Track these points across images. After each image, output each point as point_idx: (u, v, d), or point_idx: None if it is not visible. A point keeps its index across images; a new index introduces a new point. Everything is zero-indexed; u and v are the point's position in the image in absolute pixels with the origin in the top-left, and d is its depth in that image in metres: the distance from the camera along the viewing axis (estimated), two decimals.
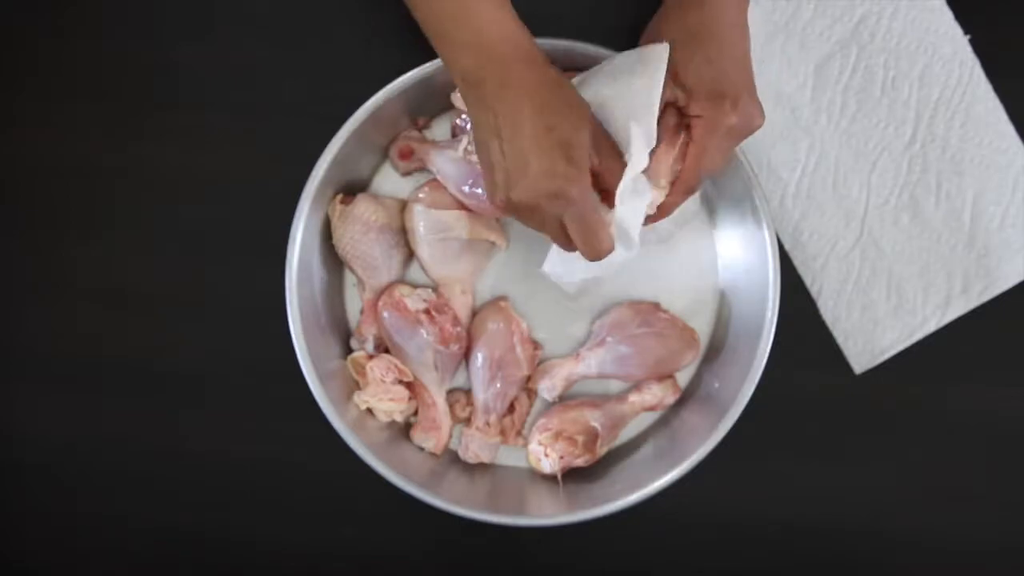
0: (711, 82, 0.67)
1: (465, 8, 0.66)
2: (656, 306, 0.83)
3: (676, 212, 0.73)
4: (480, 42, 0.66)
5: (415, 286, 0.83)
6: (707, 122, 0.68)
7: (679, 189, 0.71)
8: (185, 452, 0.86)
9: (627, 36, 0.78)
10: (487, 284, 0.84)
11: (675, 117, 0.70)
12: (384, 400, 0.81)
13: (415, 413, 0.83)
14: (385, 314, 0.81)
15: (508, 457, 0.84)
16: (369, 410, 0.82)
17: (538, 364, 0.83)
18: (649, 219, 0.71)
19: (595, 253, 0.67)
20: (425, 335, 0.80)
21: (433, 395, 0.82)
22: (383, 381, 0.81)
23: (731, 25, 0.68)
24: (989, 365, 0.85)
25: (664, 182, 0.71)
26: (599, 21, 0.83)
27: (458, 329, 0.81)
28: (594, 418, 0.82)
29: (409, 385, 0.82)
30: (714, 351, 0.83)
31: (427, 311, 0.81)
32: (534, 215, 0.67)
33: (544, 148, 0.64)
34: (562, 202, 0.65)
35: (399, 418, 0.82)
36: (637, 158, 0.67)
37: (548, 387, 0.82)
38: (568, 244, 0.68)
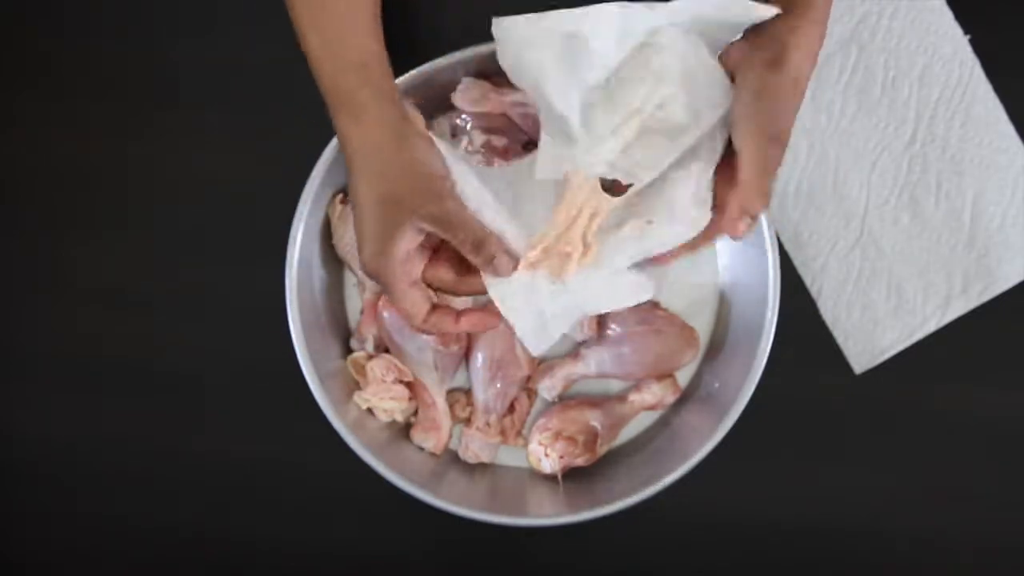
0: (769, 125, 0.65)
1: (339, 16, 0.66)
2: (655, 304, 0.83)
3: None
4: (343, 55, 0.66)
5: None
6: (758, 162, 0.64)
7: (711, 233, 0.67)
8: (185, 452, 0.86)
9: None
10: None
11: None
12: (385, 399, 0.81)
13: (415, 413, 0.83)
14: (385, 314, 0.81)
15: (508, 457, 0.84)
16: (369, 410, 0.81)
17: (538, 364, 0.83)
18: (658, 258, 0.68)
19: (462, 288, 0.69)
20: (425, 335, 0.80)
21: (433, 395, 0.82)
22: (383, 380, 0.81)
23: (803, 79, 0.65)
24: (989, 365, 0.85)
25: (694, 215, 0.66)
26: None
27: None
28: (594, 418, 0.82)
29: (409, 385, 0.82)
30: (714, 351, 0.83)
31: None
32: (378, 276, 0.67)
33: (374, 223, 0.65)
34: (430, 221, 0.65)
35: (399, 418, 0.82)
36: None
37: (548, 387, 0.82)
38: (417, 298, 0.68)
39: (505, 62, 0.68)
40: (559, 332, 0.68)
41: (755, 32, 0.65)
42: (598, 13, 0.63)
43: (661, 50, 0.65)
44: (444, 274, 0.68)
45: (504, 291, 0.67)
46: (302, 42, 0.67)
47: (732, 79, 0.65)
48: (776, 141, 0.64)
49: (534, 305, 0.67)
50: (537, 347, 0.68)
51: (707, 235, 0.67)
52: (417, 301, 0.68)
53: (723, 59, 0.66)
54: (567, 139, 0.67)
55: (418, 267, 0.68)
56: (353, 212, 0.67)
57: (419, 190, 0.65)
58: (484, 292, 0.67)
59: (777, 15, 0.63)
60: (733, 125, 0.65)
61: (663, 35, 0.64)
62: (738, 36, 0.65)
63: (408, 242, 0.66)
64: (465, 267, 0.68)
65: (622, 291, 0.68)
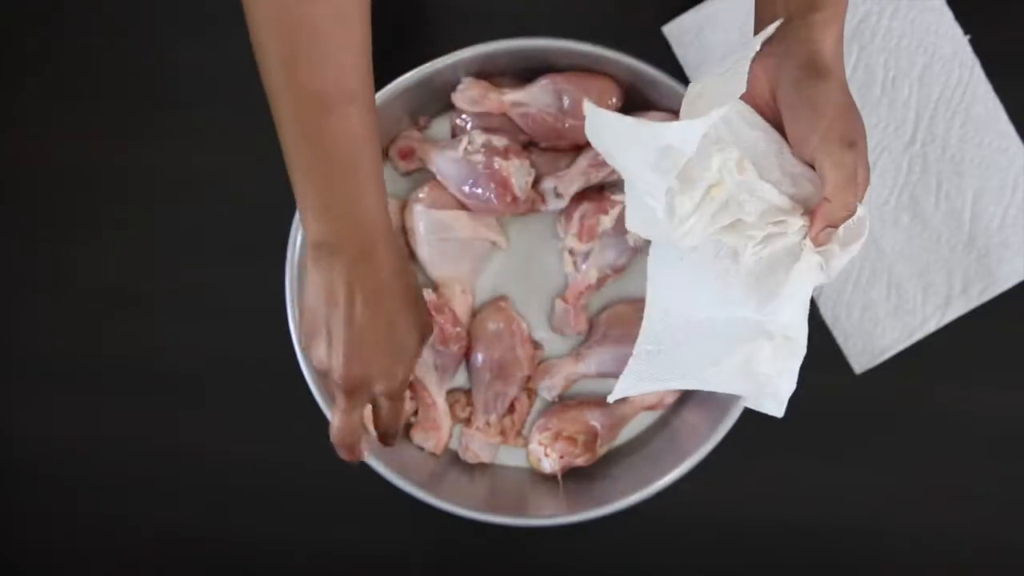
0: (843, 132, 0.61)
1: (345, 179, 0.64)
2: None
3: None
4: (351, 213, 0.65)
5: None
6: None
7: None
8: (185, 452, 0.86)
9: (620, 34, 0.78)
10: (487, 284, 0.84)
11: None
12: None
13: (415, 413, 0.83)
14: None
15: (508, 457, 0.84)
16: None
17: (538, 364, 0.83)
18: None
19: (390, 440, 0.72)
20: None
21: (433, 395, 0.82)
22: None
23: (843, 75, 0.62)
24: (989, 365, 0.85)
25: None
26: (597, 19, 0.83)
27: (458, 329, 0.81)
28: (594, 418, 0.82)
29: (409, 385, 0.82)
30: None
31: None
32: (354, 393, 0.68)
33: (381, 339, 0.66)
34: (386, 394, 0.68)
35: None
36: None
37: (548, 387, 0.82)
38: (356, 420, 0.69)
39: (593, 137, 0.63)
40: None
41: (780, 39, 0.61)
42: (690, 128, 0.58)
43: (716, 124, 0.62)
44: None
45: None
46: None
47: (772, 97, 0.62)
48: (853, 146, 0.59)
49: None
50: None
51: None
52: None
53: (751, 80, 0.61)
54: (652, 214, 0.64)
55: None
56: (343, 321, 0.65)
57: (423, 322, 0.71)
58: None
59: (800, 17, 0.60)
60: (800, 145, 0.60)
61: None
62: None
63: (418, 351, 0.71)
64: None
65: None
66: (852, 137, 0.59)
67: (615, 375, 0.82)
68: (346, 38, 0.61)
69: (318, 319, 0.66)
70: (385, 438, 0.73)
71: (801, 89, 0.60)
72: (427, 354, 0.81)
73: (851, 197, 0.60)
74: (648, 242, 0.82)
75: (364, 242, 0.65)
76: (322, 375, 0.69)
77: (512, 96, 0.79)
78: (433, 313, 0.81)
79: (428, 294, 0.81)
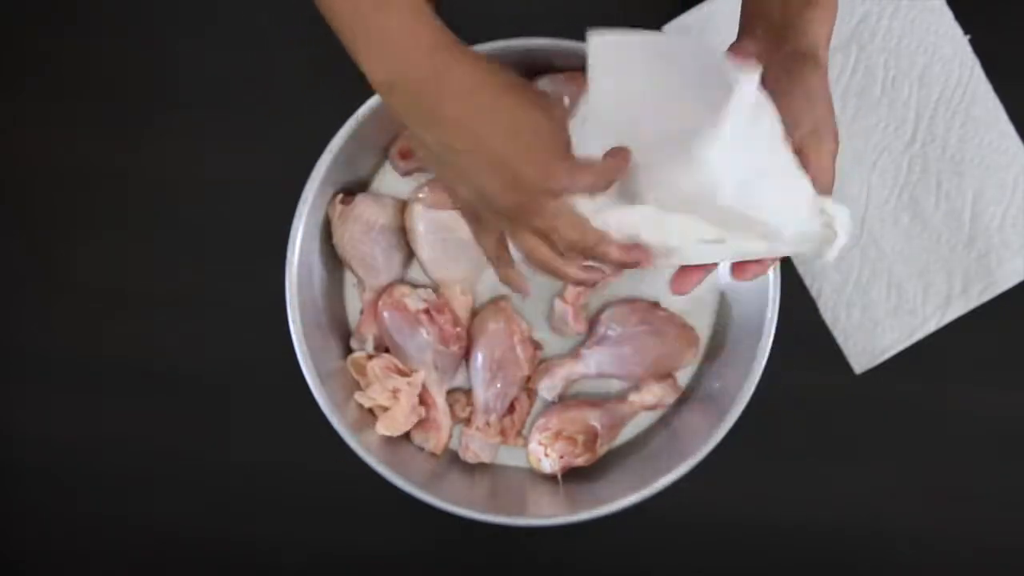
0: (830, 123, 0.63)
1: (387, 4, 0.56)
2: (655, 304, 0.83)
3: None
4: (408, 39, 0.57)
5: (415, 286, 0.83)
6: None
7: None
8: (185, 452, 0.86)
9: None
10: (487, 284, 0.84)
11: None
12: (386, 395, 0.81)
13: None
14: (385, 314, 0.81)
15: (508, 457, 0.84)
16: (370, 410, 0.81)
17: (538, 364, 0.83)
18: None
19: (592, 250, 0.61)
20: (425, 335, 0.80)
21: (433, 395, 0.82)
22: (390, 376, 0.81)
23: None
24: (989, 365, 0.85)
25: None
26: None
27: (458, 329, 0.81)
28: (594, 418, 0.82)
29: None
30: (714, 351, 0.83)
31: (427, 311, 0.81)
32: (520, 218, 0.60)
33: (525, 146, 0.58)
34: (557, 199, 0.59)
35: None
36: None
37: (548, 387, 0.82)
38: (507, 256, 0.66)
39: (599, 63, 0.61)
40: None
41: (769, 30, 0.62)
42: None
43: None
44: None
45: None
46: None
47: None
48: (836, 136, 0.62)
49: None
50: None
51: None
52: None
53: (738, 48, 0.63)
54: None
55: None
56: (470, 158, 0.57)
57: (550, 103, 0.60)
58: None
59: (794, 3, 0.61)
60: (792, 127, 0.60)
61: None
62: None
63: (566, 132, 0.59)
64: None
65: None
66: (836, 128, 0.62)
67: (615, 375, 0.83)
68: None
69: (436, 164, 0.60)
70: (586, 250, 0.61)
71: (797, 77, 0.61)
72: (427, 354, 0.81)
73: (830, 178, 0.62)
74: None
75: (428, 70, 0.57)
76: (475, 219, 0.64)
77: None
78: (433, 313, 0.81)
79: (428, 294, 0.81)
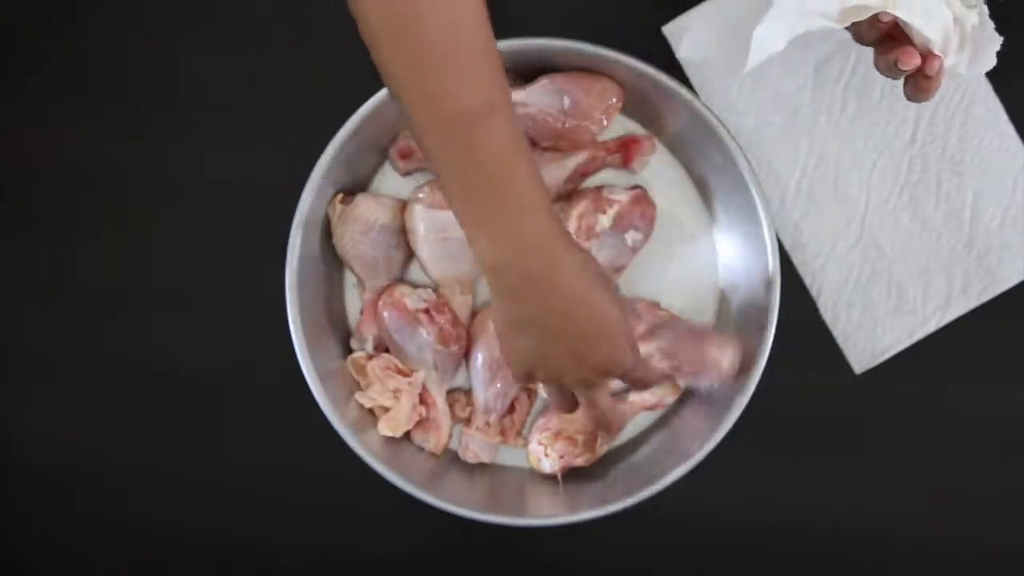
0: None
1: (524, 191, 0.60)
2: (655, 304, 0.83)
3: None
4: (519, 230, 0.61)
5: (415, 286, 0.83)
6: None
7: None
8: (185, 452, 0.86)
9: (620, 33, 0.78)
10: (487, 284, 0.84)
11: None
12: (388, 396, 0.81)
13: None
14: (385, 314, 0.81)
15: (508, 457, 0.84)
16: (370, 410, 0.81)
17: None
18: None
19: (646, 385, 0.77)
20: (425, 335, 0.80)
21: (433, 395, 0.82)
22: (390, 376, 0.81)
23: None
24: (989, 365, 0.85)
25: None
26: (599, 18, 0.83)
27: (458, 329, 0.81)
28: None
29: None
30: None
31: (427, 311, 0.81)
32: (596, 373, 0.70)
33: (612, 334, 0.66)
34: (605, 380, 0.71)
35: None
36: None
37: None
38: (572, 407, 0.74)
39: None
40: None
41: None
42: None
43: None
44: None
45: None
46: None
47: None
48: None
49: None
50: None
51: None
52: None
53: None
54: None
55: None
56: (551, 335, 0.65)
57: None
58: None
59: None
60: None
61: None
62: None
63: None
64: None
65: None
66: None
67: None
68: (470, 45, 0.57)
69: (522, 345, 0.67)
70: (645, 385, 0.76)
71: None
72: (427, 354, 0.81)
73: None
74: (646, 242, 0.83)
75: (541, 260, 0.62)
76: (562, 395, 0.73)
77: (512, 96, 0.79)
78: (433, 313, 0.81)
79: (428, 294, 0.81)
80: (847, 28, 0.65)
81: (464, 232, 0.62)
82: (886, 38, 0.65)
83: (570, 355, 0.67)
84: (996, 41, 0.65)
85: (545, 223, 0.62)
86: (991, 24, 0.65)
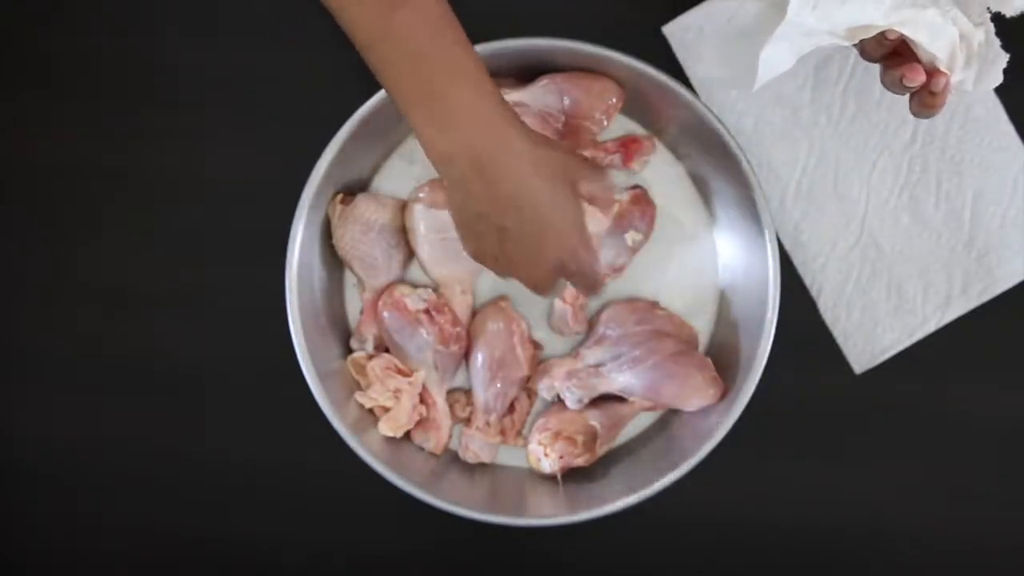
0: None
1: (455, 69, 0.59)
2: (654, 304, 0.83)
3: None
4: (476, 114, 0.60)
5: (415, 286, 0.83)
6: None
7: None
8: (185, 452, 0.86)
9: (620, 33, 0.78)
10: (487, 284, 0.84)
11: None
12: (388, 396, 0.81)
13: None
14: (385, 314, 0.81)
15: (508, 457, 0.84)
16: (370, 410, 0.82)
17: (538, 364, 0.83)
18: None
19: (594, 289, 0.71)
20: (425, 335, 0.80)
21: (433, 395, 0.82)
22: (390, 376, 0.81)
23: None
24: (989, 365, 0.85)
25: None
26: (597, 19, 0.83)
27: (458, 329, 0.81)
28: (593, 418, 0.82)
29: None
30: (714, 351, 0.83)
31: (427, 311, 0.81)
32: (549, 274, 0.68)
33: (562, 209, 0.65)
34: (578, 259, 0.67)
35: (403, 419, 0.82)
36: None
37: (548, 387, 0.82)
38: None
39: None
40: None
41: None
42: None
43: None
44: None
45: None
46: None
47: None
48: None
49: None
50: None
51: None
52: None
53: None
54: None
55: None
56: (520, 217, 0.63)
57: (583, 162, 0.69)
58: None
59: None
60: None
61: None
62: None
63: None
64: None
65: None
66: None
67: None
68: None
69: (478, 237, 0.65)
70: (593, 289, 0.72)
71: None
72: (427, 354, 0.81)
73: None
74: (646, 242, 0.83)
75: (486, 145, 0.60)
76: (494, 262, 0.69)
77: (512, 96, 0.79)
78: (433, 313, 0.81)
79: (428, 294, 0.81)
80: (853, 45, 0.65)
81: (414, 132, 0.61)
82: (892, 55, 0.65)
83: (521, 253, 0.65)
84: (1002, 58, 0.65)
85: (488, 106, 0.60)
86: (997, 41, 0.65)
